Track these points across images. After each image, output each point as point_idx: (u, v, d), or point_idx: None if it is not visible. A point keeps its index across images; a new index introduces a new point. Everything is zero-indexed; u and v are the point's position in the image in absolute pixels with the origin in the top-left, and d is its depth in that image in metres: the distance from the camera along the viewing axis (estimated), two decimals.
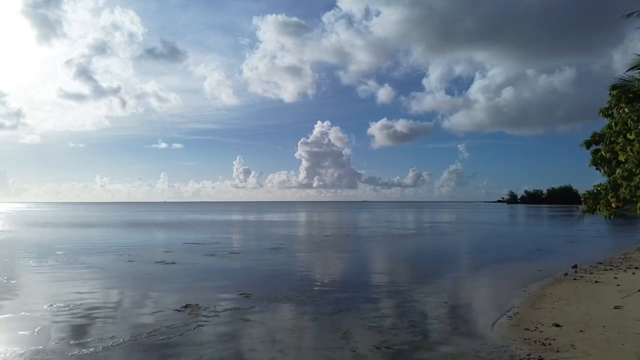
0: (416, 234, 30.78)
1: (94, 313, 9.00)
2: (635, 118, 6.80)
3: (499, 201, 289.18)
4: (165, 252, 19.69)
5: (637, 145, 6.79)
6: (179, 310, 9.13)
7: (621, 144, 7.26)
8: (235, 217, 64.13)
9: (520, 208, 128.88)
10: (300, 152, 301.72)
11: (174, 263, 16.12)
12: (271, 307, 9.45)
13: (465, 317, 8.65)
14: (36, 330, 7.78)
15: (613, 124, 7.73)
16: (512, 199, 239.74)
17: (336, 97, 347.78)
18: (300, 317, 8.79)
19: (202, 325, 8.02)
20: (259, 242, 24.45)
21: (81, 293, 10.89)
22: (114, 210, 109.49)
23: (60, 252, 19.34)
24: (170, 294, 10.81)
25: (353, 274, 14.04)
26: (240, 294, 10.71)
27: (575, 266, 15.06)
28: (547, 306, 9.46)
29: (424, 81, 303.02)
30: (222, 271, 14.38)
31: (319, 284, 12.10)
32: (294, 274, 13.78)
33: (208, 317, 8.63)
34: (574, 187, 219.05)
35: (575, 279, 12.59)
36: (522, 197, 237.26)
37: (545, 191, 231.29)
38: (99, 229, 36.00)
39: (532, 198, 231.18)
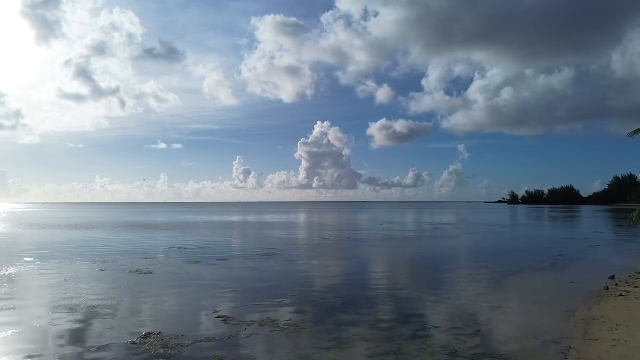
0: (421, 237, 28.72)
1: (19, 349, 6.95)
2: None
3: (499, 201, 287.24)
4: (147, 258, 17.65)
5: None
6: (134, 343, 7.08)
7: None
8: (232, 218, 62.06)
9: (522, 209, 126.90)
10: (300, 152, 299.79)
11: (150, 273, 14.06)
12: (255, 338, 7.40)
13: (505, 355, 6.59)
14: None
15: None
16: (513, 200, 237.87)
17: (335, 98, 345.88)
18: (294, 351, 6.73)
19: None
20: (251, 247, 22.39)
21: (15, 315, 8.85)
22: (111, 211, 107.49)
23: (29, 259, 17.29)
24: (132, 318, 8.76)
25: (355, 287, 11.98)
26: (219, 317, 8.67)
27: (612, 277, 13.05)
28: (606, 336, 7.41)
29: (423, 81, 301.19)
30: (202, 284, 12.30)
31: (315, 302, 10.05)
32: (286, 288, 11.73)
33: (169, 352, 6.59)
34: (572, 187, 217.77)
35: (621, 295, 10.55)
36: (523, 197, 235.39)
37: (546, 191, 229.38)
38: (86, 231, 33.91)
39: (534, 198, 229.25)
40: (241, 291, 11.27)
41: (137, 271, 14.34)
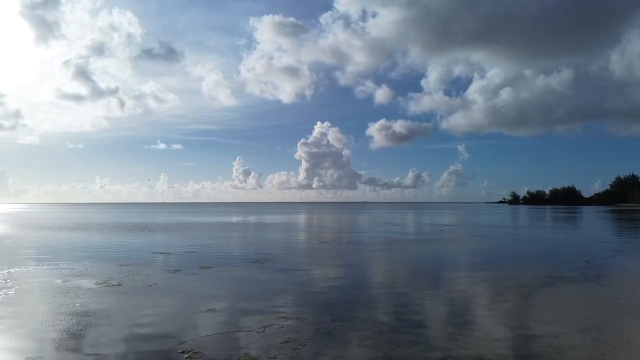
0: (427, 239, 26.68)
1: None
2: None
3: (500, 202, 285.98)
4: (122, 265, 15.60)
5: None
6: None
7: None
8: (228, 219, 60.00)
9: (524, 209, 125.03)
10: (300, 152, 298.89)
11: (118, 285, 12.01)
12: None
13: None
14: None
15: None
16: (514, 200, 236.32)
17: (334, 98, 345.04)
18: None
19: None
20: (242, 251, 20.35)
21: None
22: (108, 211, 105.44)
23: None
24: (67, 354, 6.72)
25: (358, 303, 9.95)
26: (182, 352, 6.65)
27: None
28: None
29: (423, 82, 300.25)
30: (171, 303, 10.25)
31: (308, 326, 8.01)
32: (273, 307, 9.69)
33: None
34: (574, 187, 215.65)
35: None
36: (524, 197, 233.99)
37: (547, 192, 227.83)
38: (67, 233, 31.78)
39: (535, 199, 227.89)
40: (218, 311, 9.22)
41: (103, 283, 12.28)
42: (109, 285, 11.93)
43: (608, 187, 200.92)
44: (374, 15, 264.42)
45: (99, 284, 12.20)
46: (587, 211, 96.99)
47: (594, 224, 47.04)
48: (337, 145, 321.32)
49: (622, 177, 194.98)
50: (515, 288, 11.64)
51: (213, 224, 45.96)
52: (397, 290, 11.47)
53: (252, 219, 59.20)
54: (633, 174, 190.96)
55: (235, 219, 59.62)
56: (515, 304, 9.97)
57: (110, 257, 18.16)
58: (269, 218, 60.37)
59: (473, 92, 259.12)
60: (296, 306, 9.64)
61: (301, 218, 63.23)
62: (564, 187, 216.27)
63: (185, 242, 25.12)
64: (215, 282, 12.48)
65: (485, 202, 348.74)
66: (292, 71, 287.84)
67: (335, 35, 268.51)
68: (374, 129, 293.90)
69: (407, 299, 10.37)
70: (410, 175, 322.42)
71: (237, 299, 10.36)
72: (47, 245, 23.41)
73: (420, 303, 9.93)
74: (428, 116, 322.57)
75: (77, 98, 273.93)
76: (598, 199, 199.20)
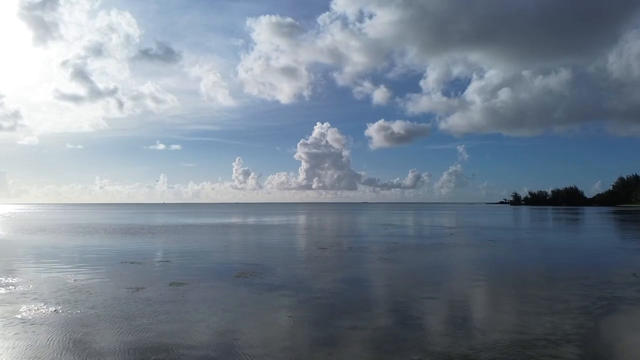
0: (437, 245, 23.90)
1: None
2: None
3: (501, 202, 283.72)
4: (75, 280, 12.81)
5: None
6: None
7: None
8: (224, 220, 57.16)
9: (528, 210, 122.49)
10: (300, 153, 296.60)
11: (55, 311, 9.23)
12: None
13: None
14: None
15: None
16: (516, 200, 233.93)
17: (332, 99, 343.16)
18: None
19: None
20: (227, 261, 17.53)
21: None
22: (105, 212, 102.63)
23: None
24: None
25: (367, 343, 7.16)
26: None
27: None
28: None
29: (421, 82, 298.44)
30: (113, 347, 7.44)
31: None
32: (250, 352, 6.91)
33: None
34: (576, 188, 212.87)
35: None
36: (526, 198, 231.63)
37: (549, 192, 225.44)
38: (43, 235, 28.90)
39: (537, 199, 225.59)
40: (177, 356, 6.44)
41: (35, 310, 9.48)
42: (40, 314, 9.13)
43: (610, 188, 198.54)
44: (371, 16, 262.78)
45: (32, 310, 9.41)
46: (593, 212, 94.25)
47: (609, 226, 44.30)
48: (336, 145, 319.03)
49: (625, 177, 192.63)
50: (573, 316, 8.85)
51: (206, 226, 43.14)
52: (418, 315, 8.67)
53: (248, 220, 56.40)
54: (636, 175, 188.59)
55: (231, 220, 56.79)
56: (588, 342, 7.18)
57: (70, 267, 15.36)
58: (266, 220, 57.58)
59: (471, 92, 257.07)
60: (284, 348, 6.85)
61: (300, 220, 60.43)
62: (567, 188, 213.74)
63: (167, 247, 22.33)
64: (182, 306, 9.66)
65: (486, 203, 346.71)
66: (289, 72, 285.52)
67: (332, 36, 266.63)
68: (373, 130, 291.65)
69: (441, 339, 7.56)
70: (410, 175, 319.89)
71: (203, 339, 7.56)
72: (11, 251, 20.58)
73: (455, 335, 7.13)
74: (427, 117, 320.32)
75: (75, 98, 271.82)
76: (601, 200, 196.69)
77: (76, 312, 9.17)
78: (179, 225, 43.51)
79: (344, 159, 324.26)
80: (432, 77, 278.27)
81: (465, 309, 9.63)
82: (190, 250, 21.01)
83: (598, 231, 37.38)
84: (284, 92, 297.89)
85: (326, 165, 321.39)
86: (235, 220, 57.99)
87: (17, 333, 7.76)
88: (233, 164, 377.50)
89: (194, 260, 17.68)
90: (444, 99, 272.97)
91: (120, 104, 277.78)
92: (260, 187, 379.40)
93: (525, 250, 21.79)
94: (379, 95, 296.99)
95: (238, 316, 8.90)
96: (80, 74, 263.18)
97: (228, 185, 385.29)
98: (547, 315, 8.94)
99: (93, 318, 8.74)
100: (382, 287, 12.35)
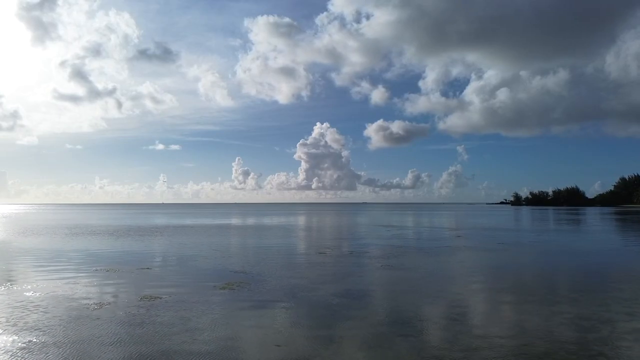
0: (445, 249, 22.12)
1: None
2: None
3: (501, 202, 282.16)
4: (29, 292, 11.02)
5: None
6: None
7: None
8: (221, 221, 55.36)
9: (529, 210, 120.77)
10: (299, 153, 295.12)
11: None
12: None
13: None
14: None
15: None
16: (517, 201, 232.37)
17: (330, 99, 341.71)
18: None
19: None
20: (214, 267, 15.69)
21: None
22: (103, 212, 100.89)
23: None
24: None
25: None
26: None
27: None
28: None
29: (420, 83, 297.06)
30: None
31: None
32: None
33: None
34: (577, 188, 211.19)
35: None
36: (527, 198, 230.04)
37: (550, 192, 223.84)
38: (25, 237, 27.08)
39: (538, 199, 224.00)
40: None
41: None
42: None
43: (611, 188, 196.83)
44: (369, 16, 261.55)
45: None
46: (596, 213, 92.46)
47: (616, 227, 42.55)
48: (335, 146, 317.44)
49: (627, 177, 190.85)
50: (620, 345, 7.07)
51: (202, 227, 41.33)
52: (445, 356, 6.88)
53: (246, 221, 54.60)
54: (638, 175, 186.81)
55: (228, 221, 54.96)
56: None
57: (32, 275, 13.54)
58: (265, 220, 55.79)
59: (470, 93, 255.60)
60: None
61: (299, 220, 58.63)
62: (567, 188, 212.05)
63: (152, 252, 20.53)
64: (139, 332, 7.83)
65: (487, 203, 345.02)
66: (288, 72, 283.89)
67: (330, 36, 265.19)
68: (372, 130, 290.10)
69: None
70: (410, 176, 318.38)
71: None
72: None
73: None
74: (425, 117, 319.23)
75: (74, 99, 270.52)
76: (602, 200, 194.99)
77: (5, 337, 7.36)
78: (173, 227, 41.68)
79: (343, 159, 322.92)
80: (430, 78, 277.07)
81: (502, 336, 7.82)
82: (177, 255, 19.21)
83: (604, 232, 35.57)
84: (283, 92, 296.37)
85: (326, 165, 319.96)
86: (232, 221, 56.19)
87: None
88: (233, 164, 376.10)
89: (177, 267, 15.88)
90: (443, 99, 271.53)
91: (119, 104, 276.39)
92: (260, 187, 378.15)
93: (539, 254, 19.98)
94: (377, 95, 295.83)
95: (212, 347, 7.10)
96: (79, 74, 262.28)
97: (228, 185, 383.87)
98: (596, 342, 7.14)
99: (24, 344, 6.91)
100: (390, 303, 10.51)
